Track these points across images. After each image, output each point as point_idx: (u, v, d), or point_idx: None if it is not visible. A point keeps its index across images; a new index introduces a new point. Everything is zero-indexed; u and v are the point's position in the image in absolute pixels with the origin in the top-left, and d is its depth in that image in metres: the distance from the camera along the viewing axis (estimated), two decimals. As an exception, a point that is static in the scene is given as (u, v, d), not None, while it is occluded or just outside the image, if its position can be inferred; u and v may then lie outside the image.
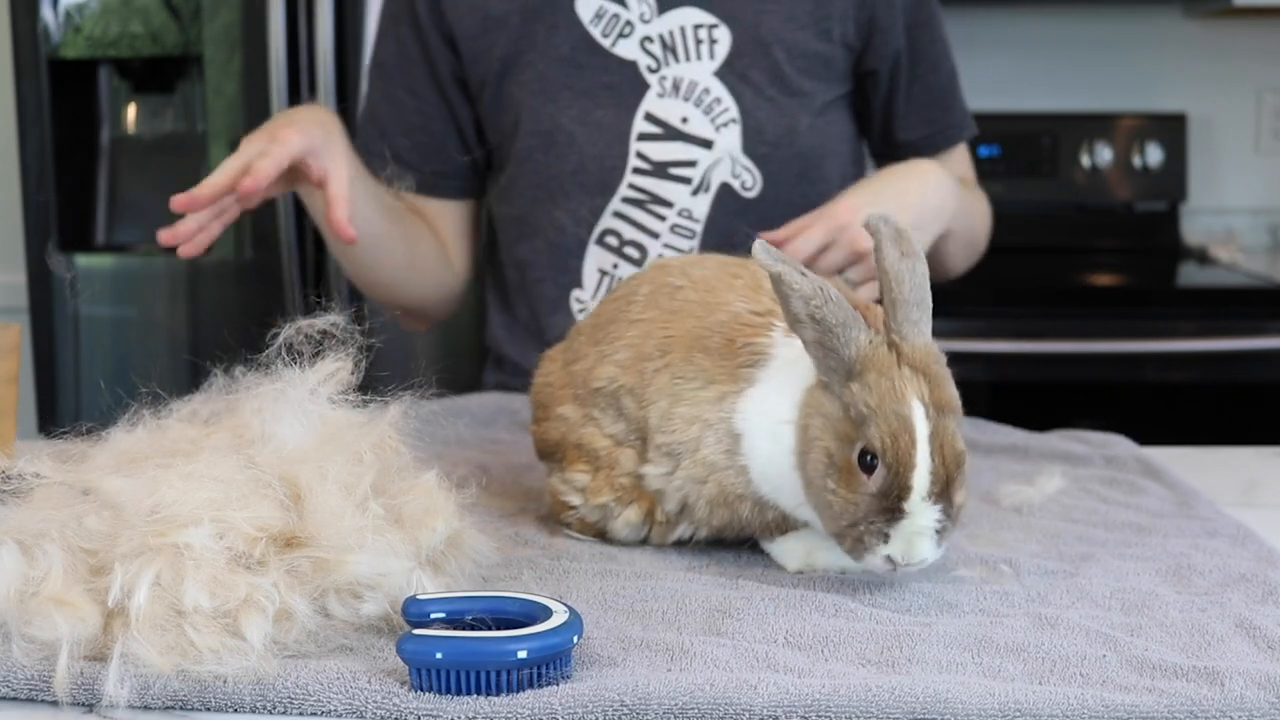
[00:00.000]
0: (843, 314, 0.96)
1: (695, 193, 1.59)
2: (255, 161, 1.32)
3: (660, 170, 1.59)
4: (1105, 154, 3.06)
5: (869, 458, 0.95)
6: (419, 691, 0.80)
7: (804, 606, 0.96)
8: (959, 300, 2.43)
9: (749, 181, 1.58)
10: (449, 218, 1.71)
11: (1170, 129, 3.07)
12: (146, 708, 0.80)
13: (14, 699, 0.82)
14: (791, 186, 1.59)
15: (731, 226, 1.57)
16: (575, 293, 1.63)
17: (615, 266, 1.61)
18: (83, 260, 2.63)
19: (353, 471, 0.92)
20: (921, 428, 0.95)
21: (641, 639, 0.89)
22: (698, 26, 1.58)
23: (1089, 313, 2.55)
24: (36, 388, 2.63)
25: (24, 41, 2.57)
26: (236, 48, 2.52)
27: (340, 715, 0.80)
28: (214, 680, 0.81)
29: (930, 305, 1.00)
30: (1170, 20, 3.15)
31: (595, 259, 1.61)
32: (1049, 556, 1.10)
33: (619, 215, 1.60)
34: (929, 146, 1.67)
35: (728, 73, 1.58)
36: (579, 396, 1.12)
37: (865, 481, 0.95)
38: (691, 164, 1.58)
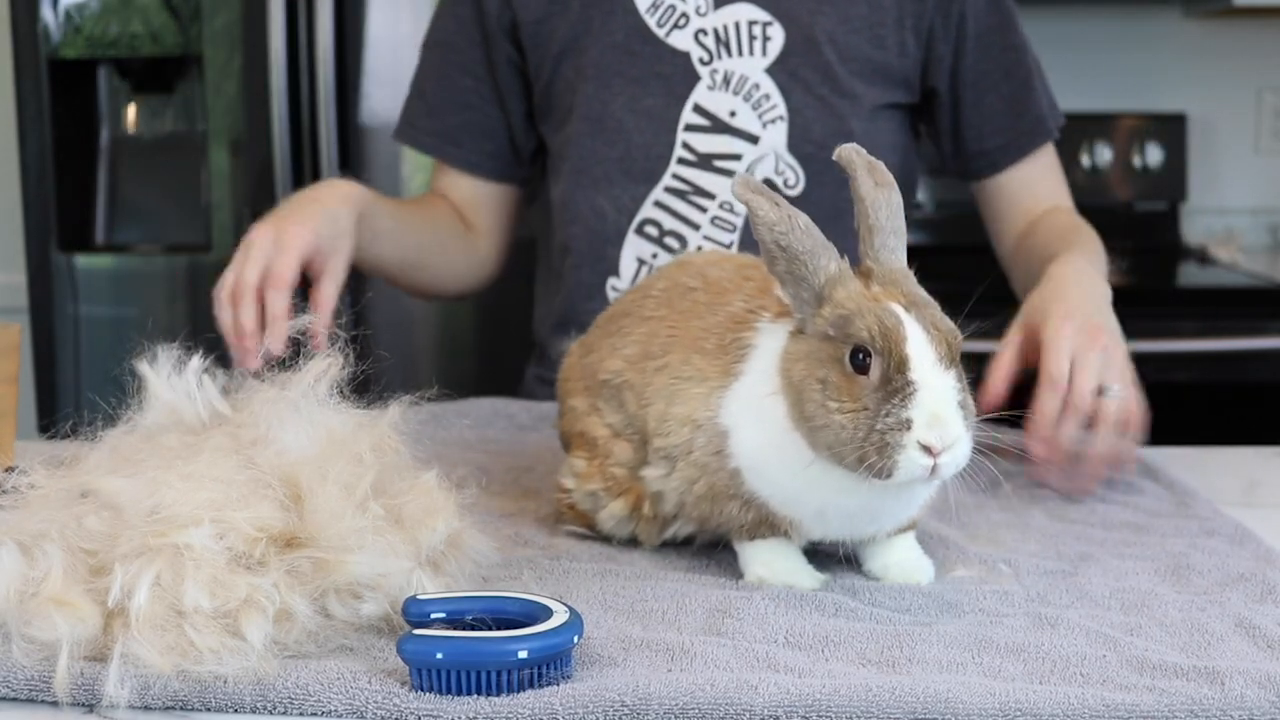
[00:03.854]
0: (810, 242, 0.95)
1: None
2: (267, 287, 1.31)
3: (705, 162, 1.60)
4: (1105, 154, 3.06)
5: (860, 356, 0.92)
6: (419, 691, 0.80)
7: (804, 606, 0.96)
8: (959, 300, 2.42)
9: (792, 179, 1.58)
10: (485, 198, 1.73)
11: (1170, 129, 3.07)
12: (146, 708, 0.80)
13: (14, 699, 0.82)
14: (834, 189, 1.56)
15: None
16: (611, 280, 1.63)
17: (655, 256, 1.61)
18: (82, 260, 2.62)
19: (353, 472, 0.92)
20: (902, 312, 0.93)
21: (641, 639, 0.89)
22: (752, 23, 1.58)
23: (1089, 312, 2.54)
24: (36, 388, 2.63)
25: (24, 41, 2.57)
26: (236, 48, 2.51)
27: (340, 715, 0.80)
28: (214, 680, 0.81)
29: (905, 234, 0.99)
30: (1170, 20, 3.14)
31: (634, 248, 1.62)
32: (1048, 556, 1.10)
33: (660, 205, 1.60)
34: (1005, 155, 1.65)
35: (779, 70, 1.58)
36: (589, 388, 1.13)
37: (864, 381, 0.92)
38: (736, 158, 1.59)
